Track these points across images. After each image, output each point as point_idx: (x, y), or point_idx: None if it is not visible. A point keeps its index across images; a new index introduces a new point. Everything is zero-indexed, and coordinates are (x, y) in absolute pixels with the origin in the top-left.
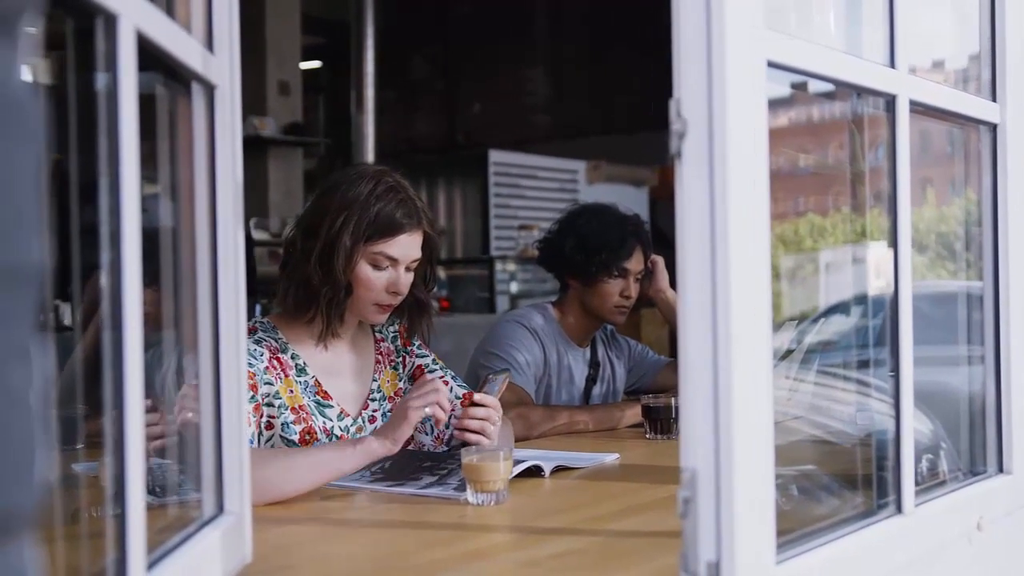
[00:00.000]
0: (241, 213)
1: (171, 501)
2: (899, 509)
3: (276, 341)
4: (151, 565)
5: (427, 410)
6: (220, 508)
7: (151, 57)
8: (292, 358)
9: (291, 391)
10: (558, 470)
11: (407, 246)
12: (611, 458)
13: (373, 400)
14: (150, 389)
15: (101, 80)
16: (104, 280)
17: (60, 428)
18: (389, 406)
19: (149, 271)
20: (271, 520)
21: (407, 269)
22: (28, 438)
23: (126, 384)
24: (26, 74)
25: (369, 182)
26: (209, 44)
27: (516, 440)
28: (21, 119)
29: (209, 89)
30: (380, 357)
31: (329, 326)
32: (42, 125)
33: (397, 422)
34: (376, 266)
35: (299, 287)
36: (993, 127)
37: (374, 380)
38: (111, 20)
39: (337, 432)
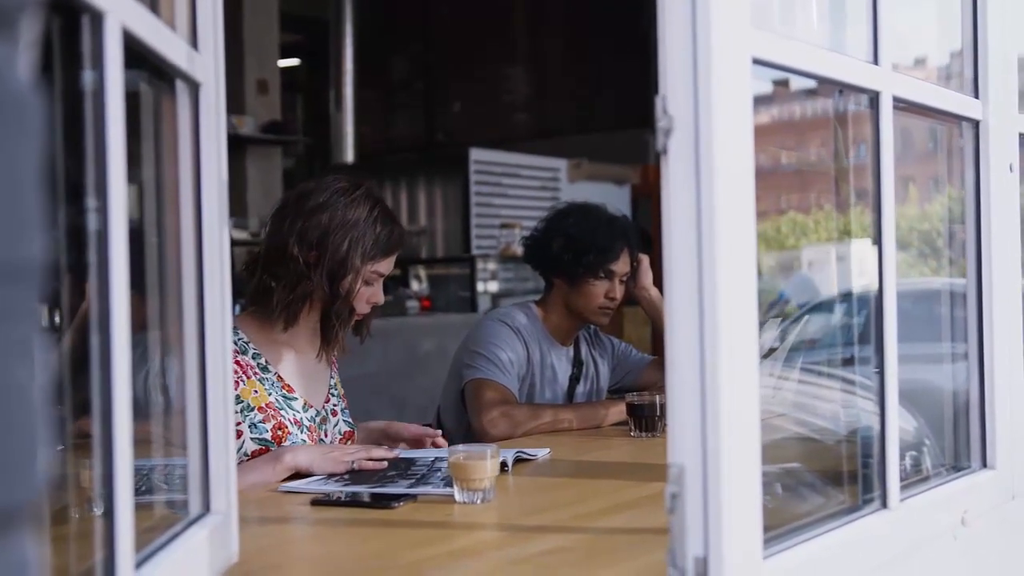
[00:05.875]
0: (227, 212)
1: (157, 500)
2: (884, 504)
3: (235, 343)
4: (138, 564)
5: (354, 465)
6: (207, 507)
7: (135, 55)
8: (253, 358)
9: (255, 391)
10: (518, 461)
11: (393, 262)
12: (543, 452)
13: (333, 395)
14: (133, 389)
15: (87, 78)
16: (91, 281)
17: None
18: (344, 404)
19: (132, 272)
20: (258, 520)
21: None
22: (32, 433)
23: (114, 384)
24: (26, 72)
25: (365, 203)
26: (194, 42)
27: (501, 439)
28: (22, 116)
29: (194, 87)
30: (332, 359)
31: (334, 342)
32: (42, 122)
33: (325, 460)
34: (367, 283)
35: (300, 300)
36: (975, 123)
37: (331, 378)
38: (97, 17)
39: (306, 423)
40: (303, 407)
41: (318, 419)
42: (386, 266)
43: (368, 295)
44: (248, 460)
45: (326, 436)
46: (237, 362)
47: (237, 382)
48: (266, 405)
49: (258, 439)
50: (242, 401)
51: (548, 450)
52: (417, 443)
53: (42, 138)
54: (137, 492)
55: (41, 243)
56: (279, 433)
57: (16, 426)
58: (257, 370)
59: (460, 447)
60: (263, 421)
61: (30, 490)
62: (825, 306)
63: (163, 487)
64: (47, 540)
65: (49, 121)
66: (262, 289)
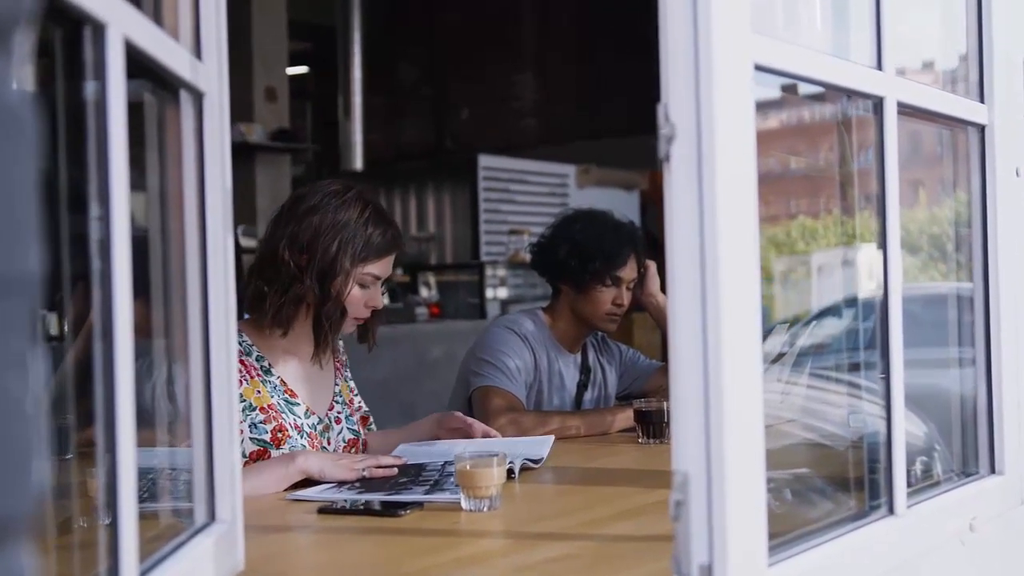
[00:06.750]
0: (231, 221)
1: (162, 508)
2: (891, 510)
3: (240, 345)
4: (143, 573)
5: (365, 473)
6: (212, 516)
7: (139, 65)
8: (257, 360)
9: (258, 391)
10: (524, 469)
11: (390, 265)
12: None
13: (337, 402)
14: (140, 399)
15: (89, 88)
16: (94, 290)
17: (51, 438)
18: (349, 411)
19: (138, 281)
20: (263, 529)
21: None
22: (26, 445)
23: (117, 393)
24: (22, 84)
25: (356, 205)
26: (197, 52)
27: None
28: (18, 128)
29: (198, 97)
30: (338, 365)
31: (325, 344)
32: (37, 134)
33: (336, 467)
34: (362, 285)
35: (292, 304)
36: (981, 128)
37: (336, 384)
38: (99, 29)
39: (307, 429)
40: (305, 413)
41: (320, 427)
42: (380, 268)
43: (365, 298)
44: (250, 462)
45: (329, 444)
46: (241, 362)
47: (240, 381)
48: (268, 406)
49: (257, 439)
50: (244, 400)
51: (552, 437)
52: (463, 433)
53: (38, 150)
54: (141, 500)
55: (37, 256)
56: (279, 436)
57: (10, 438)
58: (260, 372)
59: (467, 454)
60: (264, 422)
61: (25, 501)
62: (834, 311)
63: (167, 491)
64: (52, 549)
65: (52, 131)
66: (257, 295)
